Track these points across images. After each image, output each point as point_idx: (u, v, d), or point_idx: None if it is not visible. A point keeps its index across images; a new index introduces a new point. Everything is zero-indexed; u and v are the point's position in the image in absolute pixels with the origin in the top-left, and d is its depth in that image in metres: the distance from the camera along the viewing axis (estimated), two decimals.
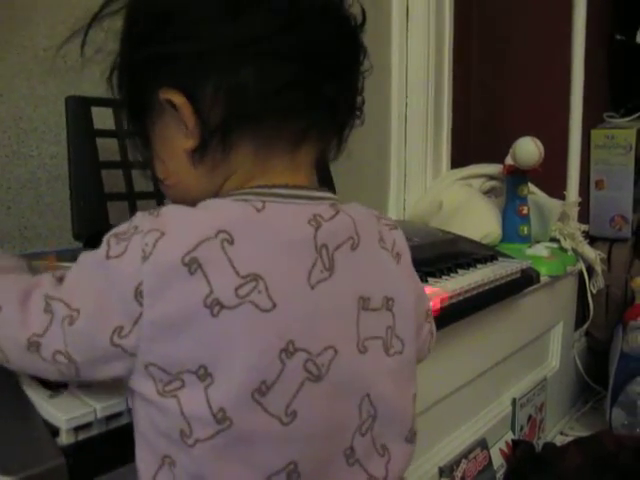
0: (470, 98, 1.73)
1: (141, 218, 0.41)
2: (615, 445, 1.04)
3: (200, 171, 0.45)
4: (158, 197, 0.86)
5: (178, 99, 0.43)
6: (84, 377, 0.42)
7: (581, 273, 1.44)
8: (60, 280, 0.42)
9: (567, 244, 1.38)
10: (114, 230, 0.41)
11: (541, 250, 1.29)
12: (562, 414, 1.49)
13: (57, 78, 0.90)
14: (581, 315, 1.55)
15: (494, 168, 1.47)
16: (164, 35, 0.43)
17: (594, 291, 1.46)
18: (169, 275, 0.38)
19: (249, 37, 0.41)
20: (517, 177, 1.35)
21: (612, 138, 1.61)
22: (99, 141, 0.83)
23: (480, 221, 1.34)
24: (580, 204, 1.44)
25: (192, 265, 0.38)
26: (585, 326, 1.57)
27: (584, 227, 1.42)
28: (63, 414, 0.41)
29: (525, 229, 1.35)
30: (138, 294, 0.38)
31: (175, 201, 0.49)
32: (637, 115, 1.66)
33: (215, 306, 0.38)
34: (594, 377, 1.55)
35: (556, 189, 1.48)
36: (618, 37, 1.62)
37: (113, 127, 0.84)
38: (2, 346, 0.42)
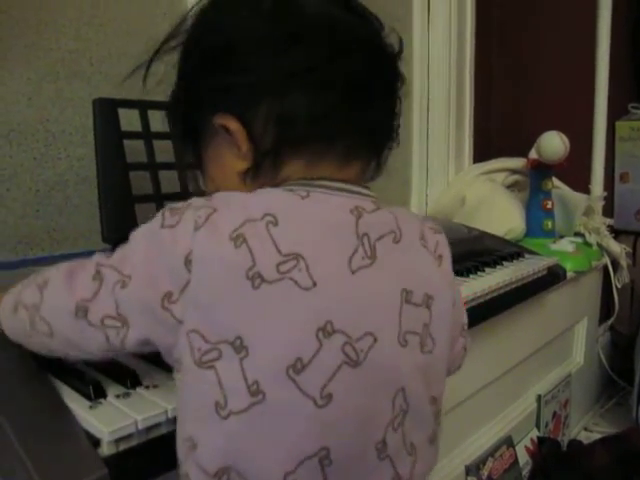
0: (492, 91, 1.71)
1: (196, 199, 0.43)
2: None
3: (249, 188, 0.47)
4: (186, 198, 0.86)
5: (233, 125, 0.46)
6: (129, 345, 0.43)
7: (606, 268, 1.43)
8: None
9: (592, 239, 1.36)
10: (169, 205, 0.44)
11: (566, 245, 1.27)
12: (586, 410, 1.48)
13: (83, 80, 0.90)
14: (605, 310, 1.54)
15: (517, 162, 1.46)
16: (222, 67, 0.46)
17: (619, 286, 1.44)
18: (217, 246, 0.40)
19: (301, 68, 0.44)
20: (541, 171, 1.34)
21: (637, 130, 1.58)
22: (126, 143, 0.83)
23: (504, 216, 1.33)
24: (605, 198, 1.42)
25: (238, 239, 0.40)
26: (610, 321, 1.56)
27: (609, 221, 1.40)
28: (105, 426, 0.42)
29: (549, 224, 1.34)
30: (188, 262, 0.40)
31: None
32: None
33: (256, 279, 0.40)
34: (618, 372, 1.54)
35: (580, 183, 1.46)
36: None
37: (140, 129, 0.85)
38: (47, 317, 0.44)
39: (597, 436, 1.29)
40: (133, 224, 0.81)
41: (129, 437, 0.43)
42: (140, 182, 0.85)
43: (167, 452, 0.43)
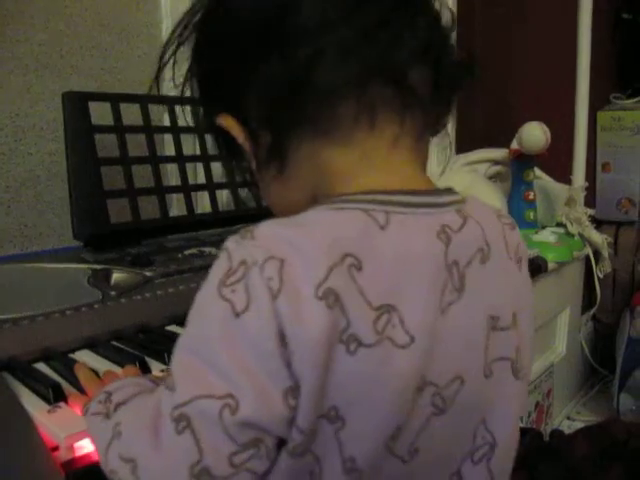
0: (475, 82, 1.70)
1: (238, 247, 0.33)
2: (624, 433, 1.03)
3: (275, 185, 0.41)
4: (159, 194, 0.85)
5: (228, 122, 0.41)
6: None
7: (588, 258, 1.43)
8: (171, 383, 0.34)
9: (574, 229, 1.36)
10: (214, 279, 0.33)
11: (548, 236, 1.27)
12: (569, 399, 1.48)
13: (54, 74, 0.88)
14: (587, 299, 1.54)
15: (500, 153, 1.45)
16: (207, 65, 0.41)
17: (601, 276, 1.44)
18: (304, 310, 0.31)
19: (262, 30, 0.37)
20: (523, 162, 1.33)
21: (619, 120, 1.58)
22: (98, 137, 0.82)
23: None
24: (586, 188, 1.42)
25: (329, 297, 0.31)
26: (592, 311, 1.56)
27: (591, 211, 1.40)
28: (62, 430, 0.41)
29: (531, 214, 1.33)
30: (281, 338, 0.31)
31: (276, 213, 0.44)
32: None
33: (352, 342, 0.32)
34: (600, 361, 1.55)
35: (562, 173, 1.46)
36: (625, 16, 1.58)
37: (112, 122, 0.83)
38: None
39: (580, 425, 1.30)
40: (105, 220, 0.80)
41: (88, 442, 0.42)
42: (114, 177, 0.84)
43: None
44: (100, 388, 0.43)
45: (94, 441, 0.39)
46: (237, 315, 0.31)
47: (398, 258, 0.34)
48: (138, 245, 0.82)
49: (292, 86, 0.36)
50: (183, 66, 0.43)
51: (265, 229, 0.34)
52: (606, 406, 1.42)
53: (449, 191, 0.39)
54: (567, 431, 1.24)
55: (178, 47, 0.42)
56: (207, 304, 0.33)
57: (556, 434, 1.20)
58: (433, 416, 0.36)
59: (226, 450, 0.31)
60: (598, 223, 1.54)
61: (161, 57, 0.43)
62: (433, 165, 1.54)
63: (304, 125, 0.37)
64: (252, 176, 0.44)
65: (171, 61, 0.43)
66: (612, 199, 1.61)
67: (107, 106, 0.83)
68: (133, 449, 0.34)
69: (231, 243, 0.34)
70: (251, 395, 0.31)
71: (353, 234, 0.34)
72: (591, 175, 1.58)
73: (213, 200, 0.92)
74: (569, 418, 1.44)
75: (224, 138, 0.42)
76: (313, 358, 0.31)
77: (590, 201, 1.49)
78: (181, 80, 0.44)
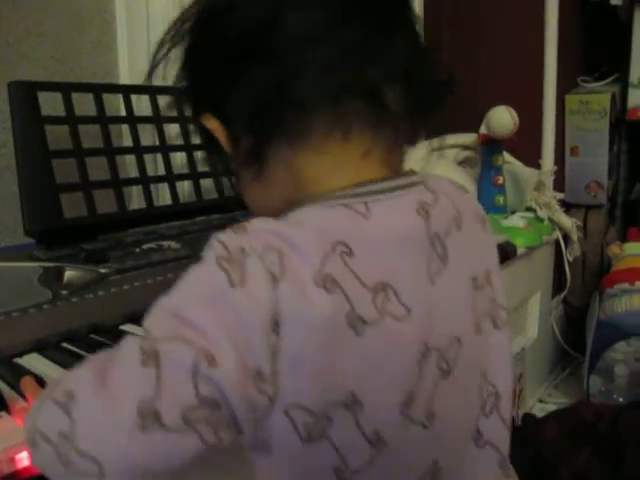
0: (442, 66, 1.68)
1: (233, 238, 0.35)
2: (592, 415, 1.04)
3: (253, 186, 0.43)
4: (115, 187, 0.82)
5: (211, 124, 0.42)
6: (227, 440, 0.33)
7: (557, 242, 1.43)
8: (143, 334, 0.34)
9: (543, 213, 1.36)
10: (210, 257, 0.34)
11: (517, 221, 1.27)
12: (540, 382, 1.49)
13: (0, 62, 0.84)
14: (558, 283, 1.55)
15: (468, 137, 1.44)
16: (192, 67, 0.43)
17: (571, 259, 1.45)
18: (307, 298, 0.33)
19: (243, 40, 0.39)
20: (492, 147, 1.32)
21: (586, 103, 1.58)
22: (50, 129, 0.78)
23: None
24: (555, 172, 1.43)
25: (327, 282, 0.34)
26: (562, 294, 1.57)
27: (560, 195, 1.41)
28: (0, 442, 0.38)
29: (501, 199, 1.33)
30: (275, 326, 0.32)
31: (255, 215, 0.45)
32: (611, 78, 1.63)
33: (358, 324, 0.34)
34: (572, 344, 1.56)
35: (531, 157, 1.46)
36: None
37: (63, 113, 0.80)
38: (91, 449, 0.31)
39: (552, 407, 1.31)
40: (58, 215, 0.77)
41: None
42: (68, 170, 0.81)
43: None
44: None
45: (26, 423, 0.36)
46: (232, 285, 0.32)
47: (384, 239, 0.37)
48: (94, 241, 0.79)
49: (272, 97, 0.38)
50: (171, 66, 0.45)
51: (257, 225, 0.36)
52: (577, 388, 1.43)
53: (413, 172, 0.43)
54: (539, 414, 1.25)
55: (169, 50, 0.44)
56: (201, 273, 0.34)
57: (528, 418, 1.21)
58: (441, 380, 0.39)
59: (185, 400, 0.30)
60: (567, 207, 1.55)
61: (154, 56, 0.44)
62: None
63: (282, 133, 0.39)
64: (232, 174, 0.46)
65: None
66: (581, 183, 1.62)
67: (59, 96, 0.80)
68: (71, 386, 0.33)
69: (225, 235, 0.35)
70: (231, 356, 0.31)
71: (338, 225, 0.36)
72: (560, 159, 1.58)
73: (173, 192, 0.89)
74: (541, 401, 1.46)
75: (207, 135, 0.44)
76: (320, 339, 0.33)
77: (559, 185, 1.49)
78: (172, 79, 0.45)
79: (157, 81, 0.45)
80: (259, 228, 0.35)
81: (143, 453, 0.31)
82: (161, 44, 0.44)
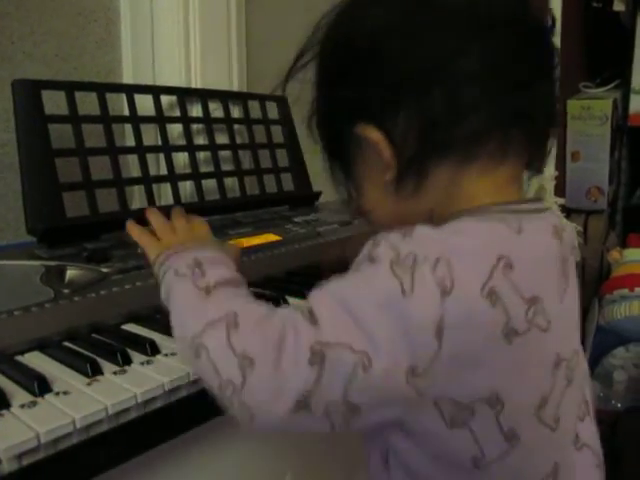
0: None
1: (402, 241, 0.38)
2: None
3: (399, 198, 0.45)
4: (118, 186, 0.81)
5: (374, 135, 0.44)
6: (356, 426, 0.38)
7: None
8: (312, 317, 0.37)
9: None
10: (384, 259, 0.38)
11: None
12: None
13: (4, 60, 0.84)
14: None
15: None
16: (356, 77, 0.44)
17: None
18: (472, 309, 0.37)
19: (434, 64, 0.42)
20: None
21: (588, 109, 1.59)
22: (53, 127, 0.78)
23: None
24: (556, 177, 1.43)
25: (492, 296, 0.37)
26: None
27: (561, 200, 1.41)
28: (2, 442, 0.38)
29: None
30: (439, 332, 0.36)
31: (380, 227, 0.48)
32: (613, 84, 1.64)
33: (511, 334, 0.38)
34: None
35: None
36: (594, 4, 1.58)
37: (67, 112, 0.79)
38: (254, 409, 0.37)
39: None
40: (61, 214, 0.77)
41: (33, 451, 0.40)
42: (71, 169, 0.81)
43: (76, 465, 0.41)
44: (173, 238, 0.54)
45: (183, 307, 0.43)
46: (404, 294, 0.36)
47: (535, 256, 0.42)
48: (97, 240, 0.79)
49: (447, 122, 0.42)
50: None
51: (423, 232, 0.39)
52: None
53: (540, 199, 0.48)
54: None
55: (314, 57, 0.47)
56: (377, 274, 0.38)
57: None
58: (566, 387, 0.43)
59: (332, 398, 0.36)
60: (568, 212, 1.55)
61: (296, 60, 0.47)
62: None
63: (453, 153, 0.43)
64: (354, 182, 0.49)
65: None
66: (581, 188, 1.62)
67: (62, 95, 0.80)
68: (252, 351, 0.37)
69: (394, 237, 0.39)
70: (388, 359, 0.35)
71: (499, 238, 0.40)
72: (561, 164, 1.59)
73: (175, 192, 0.89)
74: None
75: (338, 146, 0.47)
76: (476, 346, 0.37)
77: (560, 190, 1.50)
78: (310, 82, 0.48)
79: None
80: (425, 234, 0.39)
81: (288, 422, 0.37)
82: (305, 46, 0.47)
